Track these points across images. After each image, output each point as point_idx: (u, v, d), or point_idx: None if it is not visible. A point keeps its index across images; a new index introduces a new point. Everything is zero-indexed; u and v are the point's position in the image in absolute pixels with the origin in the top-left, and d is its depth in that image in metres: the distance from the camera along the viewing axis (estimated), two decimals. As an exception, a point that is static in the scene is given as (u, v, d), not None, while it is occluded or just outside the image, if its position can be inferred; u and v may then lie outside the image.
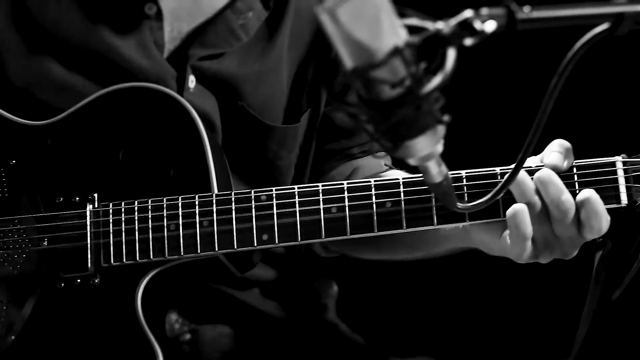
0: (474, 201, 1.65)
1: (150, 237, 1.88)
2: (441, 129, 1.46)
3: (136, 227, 1.89)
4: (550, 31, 1.49)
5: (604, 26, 1.46)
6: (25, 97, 1.91)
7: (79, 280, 1.88)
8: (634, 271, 1.89)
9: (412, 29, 1.42)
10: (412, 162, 1.49)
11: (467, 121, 2.98)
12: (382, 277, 3.22)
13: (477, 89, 3.25)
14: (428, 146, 1.46)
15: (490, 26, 1.40)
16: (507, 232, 1.87)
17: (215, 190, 1.89)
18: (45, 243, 1.89)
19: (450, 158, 1.56)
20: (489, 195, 1.63)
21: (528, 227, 1.82)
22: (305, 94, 2.07)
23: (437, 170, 1.54)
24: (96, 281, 1.88)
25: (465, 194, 1.91)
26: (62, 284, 1.88)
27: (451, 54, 1.39)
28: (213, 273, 1.96)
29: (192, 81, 1.95)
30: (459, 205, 1.65)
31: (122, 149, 1.87)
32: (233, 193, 1.90)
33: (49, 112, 1.88)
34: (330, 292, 2.32)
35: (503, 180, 1.61)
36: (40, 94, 1.91)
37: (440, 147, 1.48)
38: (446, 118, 1.44)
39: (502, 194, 1.63)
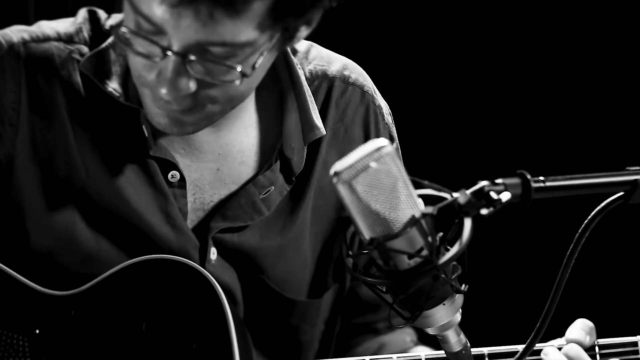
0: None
1: None
2: (459, 299, 1.45)
3: None
4: (565, 199, 1.50)
5: (618, 194, 1.47)
6: (46, 261, 1.90)
7: None
8: None
9: (428, 199, 1.44)
10: (430, 331, 1.48)
11: (484, 290, 2.97)
12: None
13: (493, 257, 3.25)
14: (446, 315, 1.45)
15: (505, 196, 1.41)
16: None
17: None
18: None
19: (468, 327, 1.56)
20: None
21: None
22: (331, 270, 2.06)
23: (456, 339, 1.53)
24: None
25: None
26: None
27: (467, 224, 1.40)
28: None
29: (213, 253, 1.93)
30: (479, 375, 1.63)
31: (145, 321, 1.86)
32: None
33: (70, 278, 1.88)
34: None
35: (522, 349, 1.59)
36: (63, 259, 1.90)
37: (458, 316, 1.48)
38: (464, 287, 1.43)
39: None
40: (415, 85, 3.40)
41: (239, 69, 1.66)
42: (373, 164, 1.37)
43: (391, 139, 2.07)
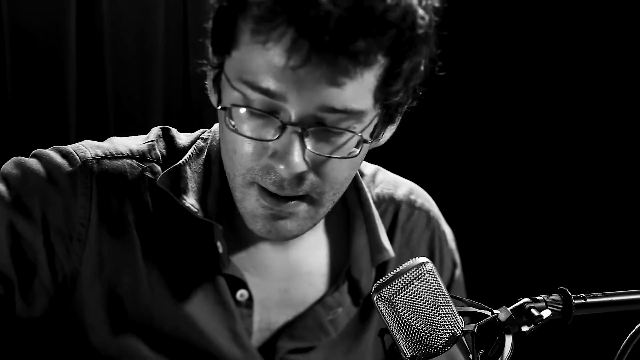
0: None
1: None
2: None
3: None
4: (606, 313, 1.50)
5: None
6: None
7: None
8: None
9: (469, 316, 1.44)
10: None
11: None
12: None
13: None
14: None
15: (547, 313, 1.41)
16: None
17: None
18: None
19: None
20: None
21: None
22: None
23: None
24: None
25: None
26: None
27: (508, 341, 1.40)
28: None
29: None
30: None
31: None
32: None
33: None
34: None
35: None
36: None
37: None
38: (506, 405, 1.42)
39: None
40: (458, 206, 3.42)
41: (359, 133, 1.62)
42: (414, 282, 1.38)
43: (454, 265, 2.06)
